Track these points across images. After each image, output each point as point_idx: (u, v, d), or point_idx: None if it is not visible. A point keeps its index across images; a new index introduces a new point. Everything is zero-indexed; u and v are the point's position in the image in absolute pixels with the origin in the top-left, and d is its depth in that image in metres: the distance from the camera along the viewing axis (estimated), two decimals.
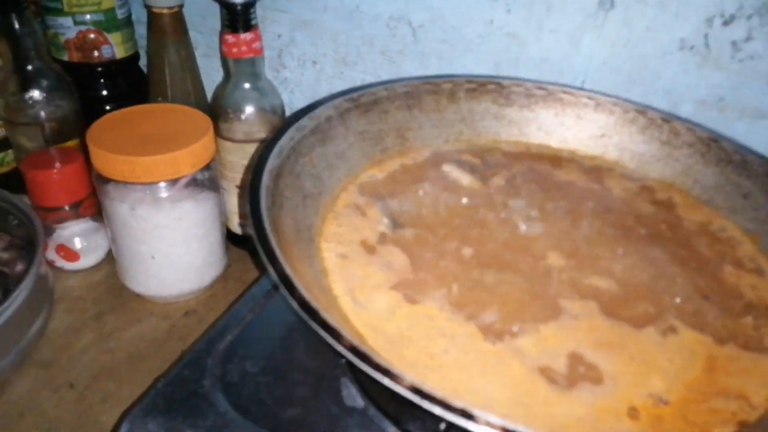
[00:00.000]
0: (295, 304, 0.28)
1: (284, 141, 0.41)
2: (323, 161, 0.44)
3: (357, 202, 0.43)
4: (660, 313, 0.38)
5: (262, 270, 0.63)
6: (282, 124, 0.42)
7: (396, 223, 0.42)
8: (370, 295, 0.36)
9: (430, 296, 0.37)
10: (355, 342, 0.27)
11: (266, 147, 0.39)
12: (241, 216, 0.62)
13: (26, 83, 0.61)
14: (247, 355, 0.40)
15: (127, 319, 0.59)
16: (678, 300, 0.38)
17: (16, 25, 0.58)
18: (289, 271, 0.30)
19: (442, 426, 0.33)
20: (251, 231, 0.32)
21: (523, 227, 0.43)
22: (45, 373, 0.53)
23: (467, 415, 0.25)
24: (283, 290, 0.29)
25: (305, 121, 0.43)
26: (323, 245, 0.40)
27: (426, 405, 0.25)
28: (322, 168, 0.44)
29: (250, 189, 0.35)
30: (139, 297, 0.61)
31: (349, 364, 0.39)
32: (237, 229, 0.65)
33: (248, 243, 0.66)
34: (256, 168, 0.37)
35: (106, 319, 0.59)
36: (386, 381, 0.25)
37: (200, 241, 0.58)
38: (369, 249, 0.40)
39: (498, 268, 0.39)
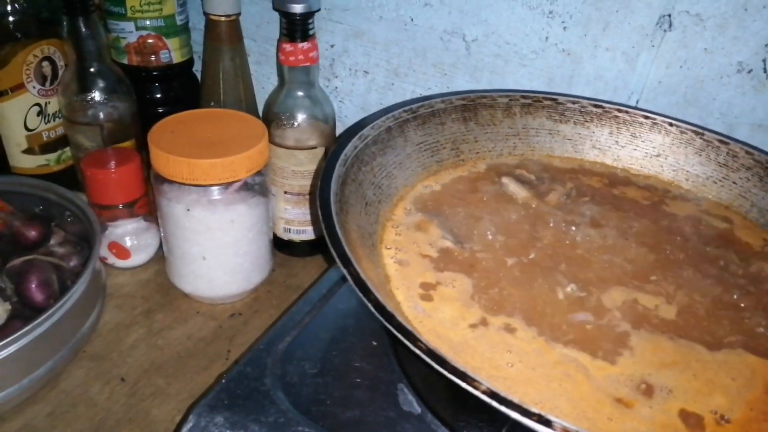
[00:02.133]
0: (370, 306, 0.29)
1: (348, 150, 0.41)
2: (383, 170, 0.45)
3: (414, 217, 0.44)
4: (723, 335, 0.37)
5: (314, 272, 0.64)
6: (345, 133, 0.43)
7: (456, 238, 0.42)
8: (435, 305, 0.37)
9: (495, 311, 0.38)
10: (432, 346, 0.27)
11: (332, 155, 0.40)
12: (313, 221, 0.63)
13: (88, 84, 0.63)
14: (305, 356, 0.40)
15: (175, 317, 0.60)
16: (744, 320, 0.38)
17: (82, 29, 0.60)
18: (363, 275, 0.30)
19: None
20: (325, 235, 0.33)
21: (583, 244, 0.43)
22: (97, 367, 0.55)
23: (544, 421, 0.25)
24: (359, 293, 0.30)
25: (368, 131, 0.44)
26: (384, 251, 0.40)
27: (504, 410, 0.25)
28: (381, 177, 0.45)
29: (320, 195, 0.36)
30: (186, 297, 0.62)
31: (405, 370, 0.39)
32: (283, 234, 0.66)
33: (292, 248, 0.67)
34: (324, 175, 0.38)
35: (155, 317, 0.60)
36: (464, 385, 0.26)
37: (250, 244, 0.59)
38: (429, 260, 0.41)
39: (562, 289, 0.39)
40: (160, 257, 0.64)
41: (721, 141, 0.51)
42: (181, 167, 0.53)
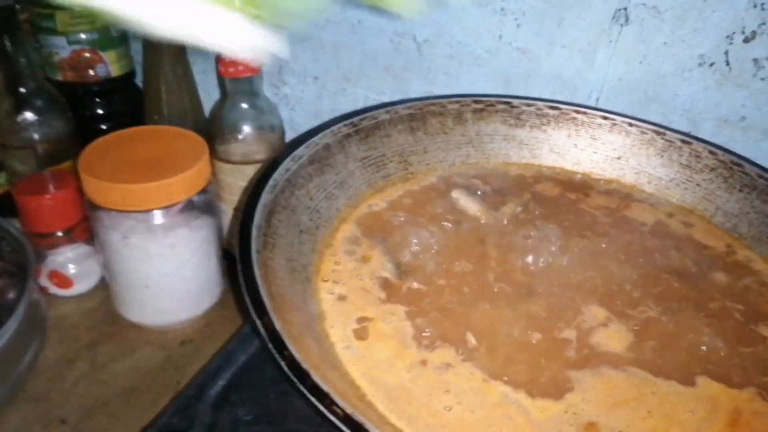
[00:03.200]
0: (284, 365, 0.26)
1: (278, 174, 0.38)
2: (321, 192, 0.42)
3: (357, 242, 0.41)
4: (682, 363, 0.35)
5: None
6: (276, 155, 0.40)
7: (399, 267, 0.39)
8: (370, 343, 0.34)
9: (434, 347, 0.35)
10: (350, 411, 0.24)
11: (258, 181, 0.37)
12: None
13: (19, 105, 0.59)
14: (239, 401, 0.37)
15: (121, 348, 0.57)
16: (702, 348, 0.35)
17: (9, 47, 0.56)
18: (278, 325, 0.27)
19: None
20: (240, 280, 0.30)
21: (537, 263, 0.40)
22: (36, 408, 0.51)
23: None
24: (272, 348, 0.26)
25: (301, 151, 0.41)
26: (320, 285, 0.37)
27: None
28: (319, 199, 0.41)
29: (240, 231, 0.33)
30: (133, 325, 0.58)
31: None
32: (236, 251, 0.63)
33: None
34: (246, 206, 0.35)
35: (100, 349, 0.57)
36: None
37: (195, 269, 0.56)
38: (369, 293, 0.38)
39: (511, 317, 0.36)
40: (107, 283, 0.60)
41: (683, 141, 0.49)
42: (114, 193, 0.50)
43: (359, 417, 0.24)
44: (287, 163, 0.39)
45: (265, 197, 0.36)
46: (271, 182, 0.37)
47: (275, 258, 0.34)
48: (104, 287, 0.61)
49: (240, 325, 0.59)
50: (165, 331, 0.58)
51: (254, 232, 0.33)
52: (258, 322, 0.27)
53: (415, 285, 0.38)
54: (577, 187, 0.49)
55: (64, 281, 0.60)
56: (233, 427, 0.36)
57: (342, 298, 0.37)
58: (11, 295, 0.56)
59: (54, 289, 0.60)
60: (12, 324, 0.49)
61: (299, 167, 0.40)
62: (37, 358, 0.54)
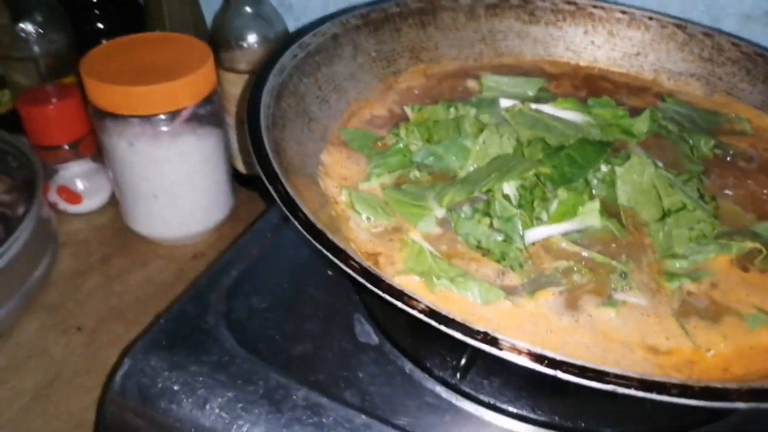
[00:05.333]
0: (297, 225, 0.25)
1: (286, 59, 0.37)
2: (330, 83, 0.40)
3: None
4: None
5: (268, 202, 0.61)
6: (283, 41, 0.39)
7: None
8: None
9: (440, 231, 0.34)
10: (366, 264, 0.24)
11: (265, 64, 0.36)
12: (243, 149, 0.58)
13: (18, 15, 0.58)
14: (253, 290, 0.37)
15: (133, 262, 0.57)
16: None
17: None
18: (292, 191, 0.27)
19: (463, 361, 0.30)
20: (250, 150, 0.29)
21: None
22: (52, 317, 0.52)
23: (490, 340, 0.22)
24: (285, 211, 0.26)
25: (309, 38, 0.39)
26: (329, 181, 0.36)
27: (445, 329, 0.22)
28: (328, 90, 0.40)
29: (248, 106, 0.32)
30: (144, 240, 0.58)
31: (363, 299, 0.36)
32: (243, 168, 0.62)
33: (256, 183, 0.63)
34: (254, 85, 0.33)
35: (113, 262, 0.57)
36: (400, 304, 0.22)
37: (204, 179, 0.55)
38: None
39: None
40: (117, 201, 0.60)
41: (705, 34, 0.47)
42: (118, 96, 0.49)
43: (376, 270, 0.23)
44: (294, 49, 0.38)
45: (273, 79, 0.35)
46: (278, 65, 0.36)
47: (285, 139, 0.33)
48: (114, 204, 0.61)
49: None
50: (176, 245, 0.58)
51: (263, 110, 0.32)
52: (270, 188, 0.27)
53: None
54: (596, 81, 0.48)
55: (73, 197, 0.59)
56: (248, 314, 0.36)
57: (351, 189, 0.36)
58: (21, 209, 0.55)
59: (63, 205, 0.60)
60: (21, 235, 0.49)
61: (307, 55, 0.39)
62: (51, 272, 0.55)
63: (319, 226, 0.25)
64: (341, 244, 0.24)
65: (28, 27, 0.58)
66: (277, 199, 0.26)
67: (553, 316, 0.29)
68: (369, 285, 0.23)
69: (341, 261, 0.24)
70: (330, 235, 0.25)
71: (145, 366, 0.32)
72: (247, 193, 0.63)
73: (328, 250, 0.24)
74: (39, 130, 0.56)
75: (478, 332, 0.21)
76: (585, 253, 0.32)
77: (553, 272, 0.31)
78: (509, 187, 0.32)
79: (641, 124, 0.40)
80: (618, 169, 0.35)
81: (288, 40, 0.38)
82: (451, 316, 0.22)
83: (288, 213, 0.25)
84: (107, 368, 0.48)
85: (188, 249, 0.58)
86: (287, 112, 0.35)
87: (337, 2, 0.64)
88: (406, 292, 0.23)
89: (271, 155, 0.28)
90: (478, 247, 0.32)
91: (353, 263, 0.24)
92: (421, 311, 0.22)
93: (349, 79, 0.42)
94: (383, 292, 0.23)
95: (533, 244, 0.33)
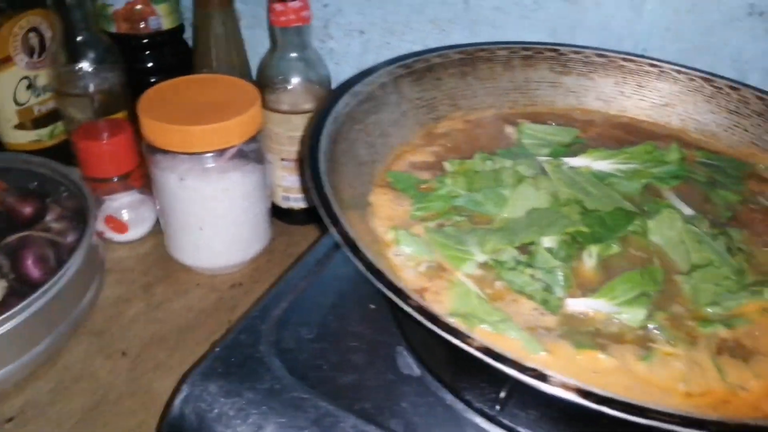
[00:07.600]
0: (359, 264, 0.27)
1: (340, 107, 0.40)
2: (377, 129, 0.43)
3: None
4: None
5: (313, 239, 0.63)
6: (337, 90, 0.41)
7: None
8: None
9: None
10: (424, 303, 0.26)
11: (322, 113, 0.38)
12: (303, 188, 0.61)
13: (76, 55, 0.61)
14: (301, 321, 0.39)
15: (174, 290, 0.59)
16: None
17: None
18: (352, 233, 0.29)
19: (502, 394, 0.32)
20: (312, 193, 0.31)
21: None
22: (98, 341, 0.54)
23: (541, 376, 0.23)
24: (347, 251, 0.28)
25: (360, 87, 0.42)
26: (377, 221, 0.39)
27: (499, 366, 0.24)
28: (375, 135, 0.43)
29: (309, 153, 0.34)
30: (185, 269, 0.61)
31: (404, 332, 0.38)
32: (281, 202, 0.65)
33: (292, 216, 0.66)
34: (313, 133, 0.36)
35: (155, 290, 0.59)
36: (456, 342, 0.24)
37: (246, 213, 0.58)
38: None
39: None
40: (158, 230, 0.63)
41: (731, 87, 0.49)
42: (173, 135, 0.52)
43: (432, 308, 0.26)
44: (347, 98, 0.41)
45: (329, 127, 0.37)
46: (333, 114, 0.38)
47: (341, 182, 0.36)
48: (156, 234, 0.64)
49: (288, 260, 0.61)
50: (215, 275, 0.61)
51: (321, 156, 0.34)
52: (332, 229, 0.29)
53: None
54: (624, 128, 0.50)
55: (120, 226, 0.62)
56: (296, 344, 0.38)
57: (397, 228, 0.38)
58: (70, 238, 0.58)
59: (110, 234, 0.62)
60: (74, 262, 0.52)
61: (358, 103, 0.41)
62: (97, 297, 0.57)
63: (379, 266, 0.27)
64: (400, 284, 0.27)
65: (84, 66, 0.62)
66: (341, 241, 0.28)
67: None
68: (426, 322, 0.25)
69: (401, 300, 0.26)
70: (388, 275, 0.27)
71: (203, 392, 0.34)
72: (282, 225, 0.66)
73: (389, 290, 0.26)
74: (92, 164, 0.60)
75: (531, 369, 0.23)
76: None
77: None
78: (550, 241, 0.35)
79: (672, 155, 0.42)
80: (650, 222, 0.37)
81: (341, 89, 0.41)
82: (504, 354, 0.24)
83: (351, 255, 0.28)
84: (151, 392, 0.50)
85: (227, 278, 0.61)
86: (340, 157, 0.37)
87: (375, 48, 0.67)
88: (462, 330, 0.25)
89: (331, 199, 0.31)
90: (520, 293, 0.34)
91: (412, 302, 0.26)
92: (476, 348, 0.24)
93: (393, 125, 0.45)
94: (441, 330, 0.25)
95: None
